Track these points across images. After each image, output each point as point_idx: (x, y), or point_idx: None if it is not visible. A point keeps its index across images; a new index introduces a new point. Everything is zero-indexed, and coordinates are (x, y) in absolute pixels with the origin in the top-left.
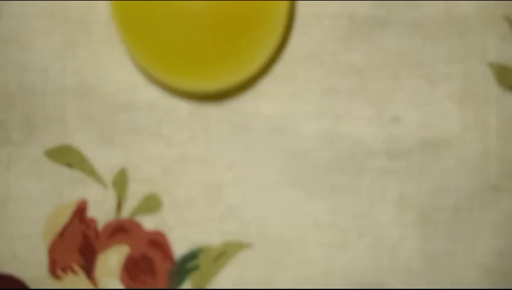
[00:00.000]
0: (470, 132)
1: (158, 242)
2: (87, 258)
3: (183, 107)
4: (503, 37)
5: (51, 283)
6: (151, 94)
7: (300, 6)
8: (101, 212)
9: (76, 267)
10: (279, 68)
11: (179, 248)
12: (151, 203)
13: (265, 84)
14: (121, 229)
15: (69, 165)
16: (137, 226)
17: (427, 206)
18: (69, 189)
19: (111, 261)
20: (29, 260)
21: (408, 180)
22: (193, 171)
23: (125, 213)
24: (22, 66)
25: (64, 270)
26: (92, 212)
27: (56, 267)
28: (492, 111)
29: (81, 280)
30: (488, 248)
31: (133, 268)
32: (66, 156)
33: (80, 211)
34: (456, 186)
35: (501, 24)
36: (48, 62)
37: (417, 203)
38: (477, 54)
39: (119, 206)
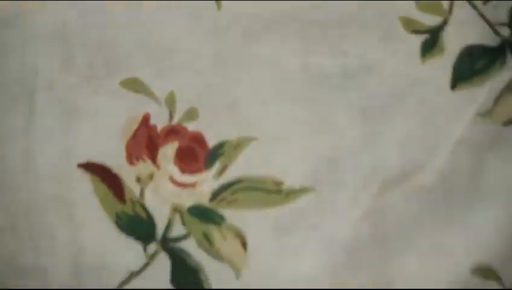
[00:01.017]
0: (388, 59)
1: (198, 138)
2: (152, 151)
3: (209, 51)
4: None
5: (128, 168)
6: (189, 46)
7: None
8: (160, 121)
9: (145, 157)
10: (271, 24)
11: (211, 141)
12: (192, 114)
13: (262, 34)
14: (173, 131)
15: (136, 91)
16: (184, 129)
17: (365, 105)
18: (137, 106)
19: (168, 152)
20: (112, 154)
21: (352, 91)
22: (218, 93)
23: (175, 121)
24: (103, 28)
25: (137, 158)
26: (153, 121)
27: (132, 157)
28: (402, 45)
29: (148, 165)
30: (403, 130)
31: (182, 155)
32: (134, 85)
33: (145, 120)
34: (381, 91)
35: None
36: (121, 25)
37: (359, 104)
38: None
39: (171, 116)
